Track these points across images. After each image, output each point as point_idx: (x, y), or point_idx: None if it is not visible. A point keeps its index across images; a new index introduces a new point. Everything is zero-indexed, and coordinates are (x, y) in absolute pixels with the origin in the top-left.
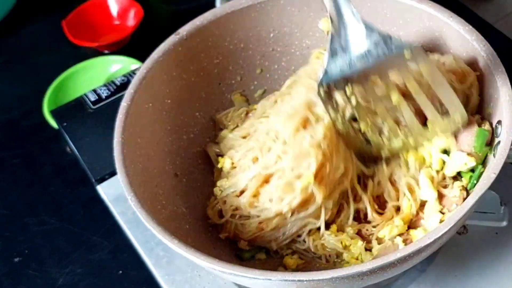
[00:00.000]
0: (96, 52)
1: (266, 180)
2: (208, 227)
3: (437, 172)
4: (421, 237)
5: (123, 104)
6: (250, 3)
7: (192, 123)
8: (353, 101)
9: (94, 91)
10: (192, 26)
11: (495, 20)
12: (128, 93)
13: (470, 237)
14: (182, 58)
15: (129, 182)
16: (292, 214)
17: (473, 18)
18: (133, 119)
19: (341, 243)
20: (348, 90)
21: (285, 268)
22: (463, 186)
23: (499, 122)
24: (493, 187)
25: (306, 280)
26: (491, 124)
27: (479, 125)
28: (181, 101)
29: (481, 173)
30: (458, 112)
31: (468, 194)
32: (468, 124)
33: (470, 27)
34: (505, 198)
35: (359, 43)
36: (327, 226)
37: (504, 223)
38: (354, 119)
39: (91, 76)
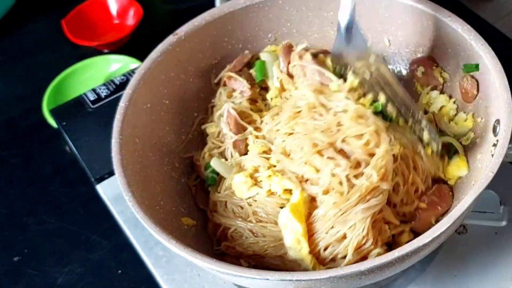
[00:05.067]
0: (96, 51)
1: None
2: (206, 227)
3: None
4: (419, 237)
5: (121, 104)
6: (248, 3)
7: (191, 123)
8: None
9: (94, 90)
10: (190, 27)
11: (495, 20)
12: (126, 93)
13: (470, 237)
14: (180, 58)
15: (127, 182)
16: None
17: (473, 18)
18: (131, 119)
19: None
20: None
21: None
22: None
23: (497, 121)
24: (492, 186)
25: (304, 280)
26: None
27: None
28: (180, 102)
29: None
30: None
31: None
32: None
33: (468, 26)
34: (504, 198)
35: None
36: None
37: (504, 223)
38: None
39: (90, 75)
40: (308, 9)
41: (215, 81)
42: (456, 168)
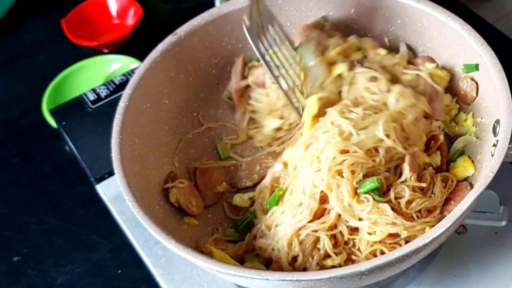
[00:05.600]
0: (95, 51)
1: None
2: (207, 227)
3: None
4: (419, 237)
5: (121, 104)
6: (248, 3)
7: (191, 123)
8: None
9: (93, 90)
10: (189, 26)
11: (495, 19)
12: (125, 93)
13: (470, 237)
14: (179, 58)
15: (127, 182)
16: None
17: (473, 18)
18: (131, 119)
19: None
20: None
21: None
22: None
23: (497, 121)
24: (492, 186)
25: (304, 280)
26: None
27: None
28: (179, 102)
29: None
30: None
31: None
32: None
33: (468, 26)
34: (504, 198)
35: None
36: None
37: (504, 223)
38: None
39: (90, 75)
40: (307, 9)
41: (225, 97)
42: (463, 170)
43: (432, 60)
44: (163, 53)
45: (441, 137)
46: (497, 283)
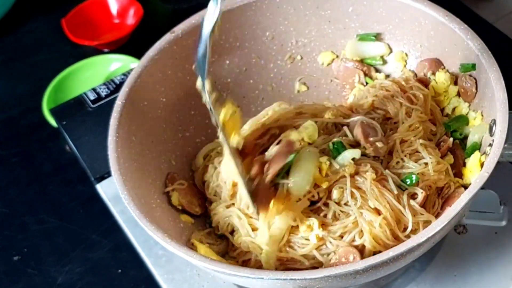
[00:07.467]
0: (96, 51)
1: None
2: (203, 226)
3: None
4: (413, 237)
5: (118, 102)
6: (246, 1)
7: (188, 121)
8: None
9: (94, 89)
10: (187, 25)
11: (495, 19)
12: (123, 91)
13: (470, 237)
14: (177, 56)
15: (123, 180)
16: None
17: (473, 18)
18: (128, 117)
19: None
20: None
21: None
22: None
23: (493, 121)
24: (492, 186)
25: (298, 279)
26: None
27: None
28: (177, 100)
29: None
30: None
31: None
32: None
33: (465, 26)
34: (504, 198)
35: None
36: None
37: (504, 223)
38: None
39: (90, 75)
40: (305, 7)
41: None
42: (471, 173)
43: (439, 62)
44: (160, 51)
45: (450, 140)
46: (497, 283)
